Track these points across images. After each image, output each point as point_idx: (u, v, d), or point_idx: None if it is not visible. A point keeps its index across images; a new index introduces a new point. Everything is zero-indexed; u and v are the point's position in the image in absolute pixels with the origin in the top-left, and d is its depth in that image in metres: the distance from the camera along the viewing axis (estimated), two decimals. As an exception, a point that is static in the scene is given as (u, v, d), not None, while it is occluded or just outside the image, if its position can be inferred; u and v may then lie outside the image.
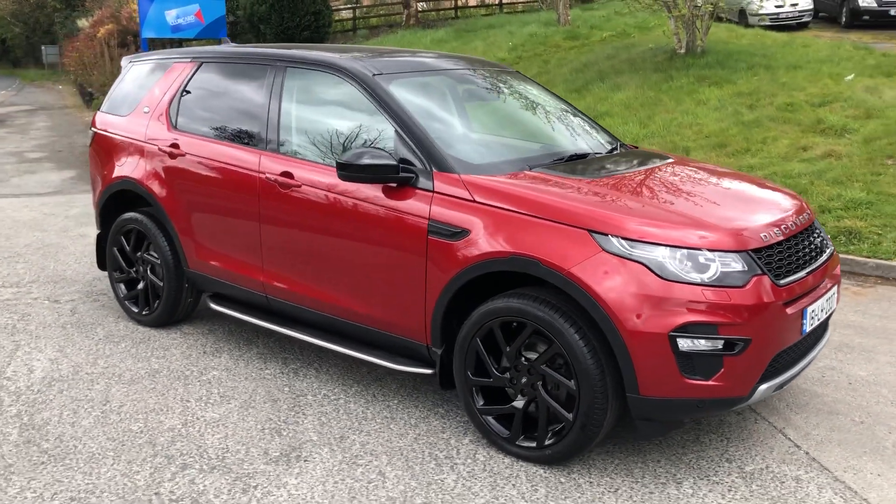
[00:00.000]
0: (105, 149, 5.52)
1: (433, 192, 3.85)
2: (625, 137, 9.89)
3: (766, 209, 3.85)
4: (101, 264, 5.70)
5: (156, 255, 5.20)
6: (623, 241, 3.38)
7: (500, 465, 3.69)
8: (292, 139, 4.50)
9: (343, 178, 3.97)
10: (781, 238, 3.62)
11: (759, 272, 3.41)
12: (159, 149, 5.07)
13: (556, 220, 3.52)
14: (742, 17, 21.38)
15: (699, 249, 3.37)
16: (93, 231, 8.13)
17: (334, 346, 4.38)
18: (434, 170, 3.89)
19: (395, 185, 3.96)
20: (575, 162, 4.28)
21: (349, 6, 31.39)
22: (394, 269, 3.99)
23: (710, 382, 3.35)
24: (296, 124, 4.54)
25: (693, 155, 9.59)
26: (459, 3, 31.74)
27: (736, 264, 3.37)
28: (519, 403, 3.70)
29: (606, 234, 3.41)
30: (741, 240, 3.45)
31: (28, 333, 5.28)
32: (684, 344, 3.30)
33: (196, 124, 4.98)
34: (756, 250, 3.46)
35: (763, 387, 3.49)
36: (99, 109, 5.79)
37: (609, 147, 4.74)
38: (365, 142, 4.24)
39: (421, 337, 3.99)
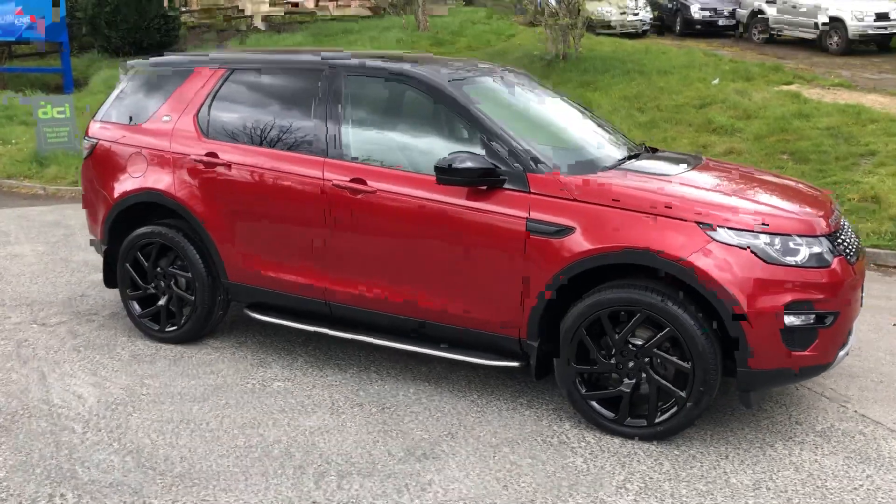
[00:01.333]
0: (112, 161, 5.25)
1: (529, 192, 4.06)
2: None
3: (817, 202, 4.35)
4: (110, 282, 5.41)
5: (183, 268, 5.03)
6: (730, 231, 3.76)
7: (612, 444, 3.97)
8: (359, 146, 4.54)
9: (441, 181, 4.10)
10: (837, 226, 4.14)
11: (837, 254, 3.89)
12: (192, 159, 4.91)
13: (663, 214, 3.84)
14: (589, 26, 22.62)
15: (790, 235, 3.81)
16: (22, 249, 7.63)
17: (411, 346, 4.49)
18: (527, 171, 4.09)
19: (484, 187, 4.13)
20: (636, 161, 4.61)
21: (185, 10, 30.25)
22: (488, 268, 4.16)
23: (807, 352, 3.80)
24: (362, 131, 4.59)
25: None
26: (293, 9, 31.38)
27: (818, 248, 3.83)
28: (626, 387, 3.98)
29: (714, 225, 3.77)
30: (818, 226, 3.92)
31: (43, 360, 4.94)
32: (789, 320, 3.73)
33: (234, 133, 4.88)
34: (828, 236, 3.94)
35: (841, 353, 3.98)
36: (94, 117, 5.49)
37: (641, 147, 5.12)
38: (440, 146, 4.37)
39: (515, 332, 4.19)
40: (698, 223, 3.80)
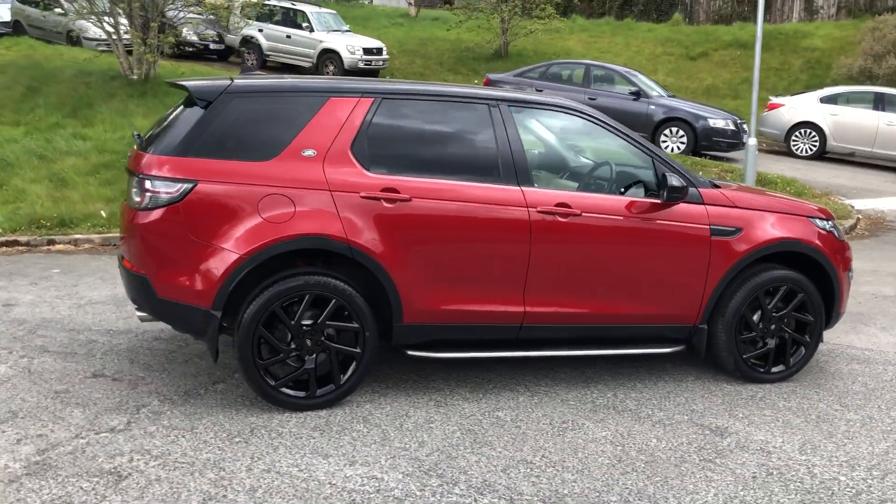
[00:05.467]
0: (231, 206, 4.28)
1: (704, 203, 5.05)
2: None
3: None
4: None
5: (346, 319, 4.49)
6: (820, 221, 5.40)
7: (787, 389, 5.22)
8: (546, 173, 4.83)
9: (671, 199, 4.82)
10: None
11: (838, 230, 5.86)
12: (364, 196, 4.43)
13: (791, 212, 5.29)
14: (71, 40, 20.99)
15: (831, 220, 5.62)
16: None
17: (594, 350, 5.04)
18: (698, 187, 5.07)
19: (673, 201, 4.96)
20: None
21: None
22: (679, 269, 5.01)
23: (845, 299, 5.67)
24: (544, 159, 4.87)
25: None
26: None
27: (837, 229, 5.71)
28: (771, 344, 5.30)
29: (815, 218, 5.38)
30: (832, 214, 5.82)
31: (239, 459, 3.93)
32: (847, 277, 5.54)
33: (405, 165, 4.57)
34: (831, 220, 5.87)
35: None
36: (166, 153, 4.30)
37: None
38: (612, 170, 5.01)
39: (691, 320, 5.13)
40: (809, 217, 5.35)
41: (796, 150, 16.58)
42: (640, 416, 4.69)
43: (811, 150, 16.47)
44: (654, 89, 15.09)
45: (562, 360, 5.43)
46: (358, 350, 4.54)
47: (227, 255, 4.28)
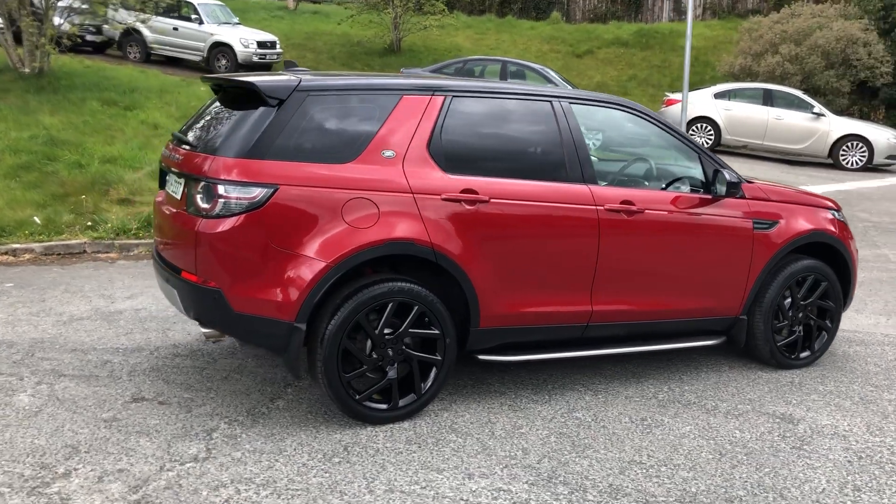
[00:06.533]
0: (313, 211, 3.99)
1: (746, 198, 5.20)
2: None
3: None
4: (298, 371, 4.11)
5: (425, 326, 4.32)
6: (832, 212, 5.67)
7: (803, 373, 5.47)
8: (607, 171, 4.81)
9: (729, 194, 4.91)
10: None
11: (840, 218, 6.17)
12: (445, 198, 4.25)
13: (812, 204, 5.53)
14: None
15: (838, 210, 5.92)
16: None
17: (648, 346, 5.10)
18: (742, 182, 5.20)
19: (720, 196, 5.07)
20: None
21: None
22: (726, 263, 5.12)
23: (851, 277, 5.98)
24: (603, 156, 4.84)
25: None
26: None
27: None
28: (799, 330, 5.51)
29: (830, 209, 5.65)
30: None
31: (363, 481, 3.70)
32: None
33: (479, 166, 4.41)
34: (832, 208, 6.17)
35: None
36: (239, 155, 3.96)
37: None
38: (665, 165, 5.07)
39: (734, 311, 5.27)
40: (829, 209, 5.61)
41: (694, 143, 17.38)
42: (706, 408, 4.76)
43: (707, 143, 17.33)
44: (566, 86, 15.42)
45: (603, 357, 5.43)
46: (438, 357, 4.37)
47: (312, 263, 4.00)
